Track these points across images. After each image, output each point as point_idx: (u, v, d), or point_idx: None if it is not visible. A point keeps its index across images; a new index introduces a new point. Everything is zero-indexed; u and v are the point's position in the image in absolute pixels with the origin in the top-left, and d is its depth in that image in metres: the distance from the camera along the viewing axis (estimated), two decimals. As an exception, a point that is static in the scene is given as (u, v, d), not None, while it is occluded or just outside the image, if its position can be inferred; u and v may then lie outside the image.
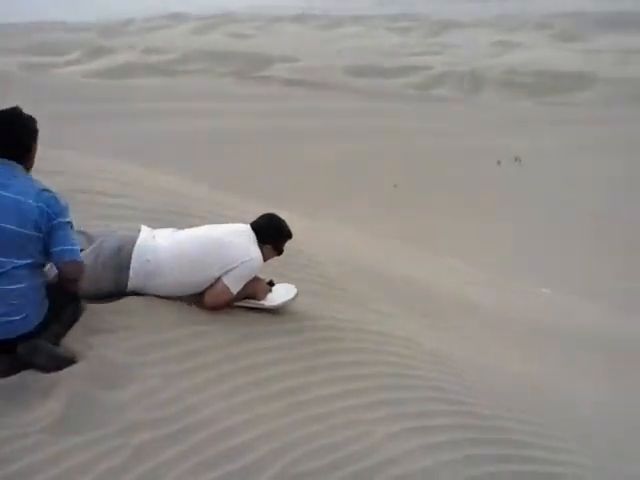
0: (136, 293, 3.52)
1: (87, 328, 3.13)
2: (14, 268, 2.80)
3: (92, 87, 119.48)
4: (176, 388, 2.92)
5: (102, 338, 3.09)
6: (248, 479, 2.57)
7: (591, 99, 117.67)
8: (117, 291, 3.48)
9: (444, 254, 21.57)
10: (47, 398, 2.67)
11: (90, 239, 3.63)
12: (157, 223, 4.47)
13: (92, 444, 2.50)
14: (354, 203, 46.58)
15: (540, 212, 45.92)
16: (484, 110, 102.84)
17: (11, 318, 2.81)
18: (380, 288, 6.61)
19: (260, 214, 4.02)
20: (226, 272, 3.57)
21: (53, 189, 2.99)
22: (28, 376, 2.79)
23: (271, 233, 3.84)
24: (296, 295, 3.97)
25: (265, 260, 3.79)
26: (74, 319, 3.15)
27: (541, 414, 4.56)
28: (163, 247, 3.56)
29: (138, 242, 3.51)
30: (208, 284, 3.61)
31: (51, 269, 3.08)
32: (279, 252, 3.92)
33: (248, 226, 3.82)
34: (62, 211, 2.92)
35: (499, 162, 61.24)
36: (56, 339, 3.00)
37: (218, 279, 3.58)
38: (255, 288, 3.81)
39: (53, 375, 2.79)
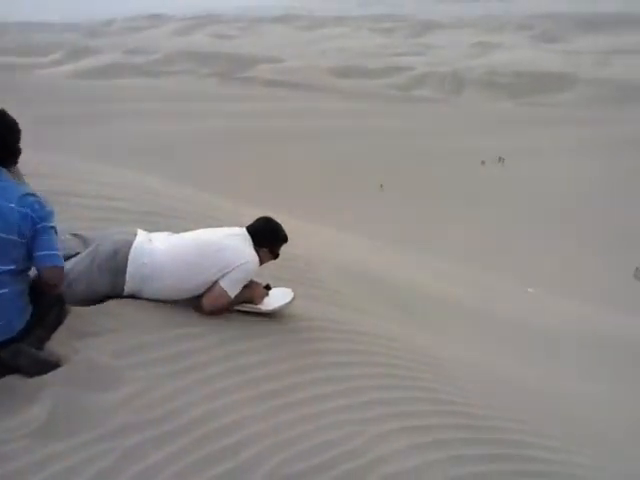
0: (133, 297, 3.50)
1: (72, 331, 3.09)
2: (-3, 274, 2.75)
3: (75, 88, 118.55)
4: (164, 390, 2.90)
5: (87, 341, 3.05)
6: (238, 480, 2.55)
7: (572, 100, 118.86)
8: (113, 294, 3.46)
9: (429, 254, 21.67)
10: (32, 403, 2.63)
11: (86, 242, 3.60)
12: (141, 225, 4.43)
13: (79, 448, 2.47)
14: (340, 204, 46.64)
15: (524, 212, 46.31)
16: (466, 110, 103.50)
17: (-6, 324, 2.76)
18: (368, 289, 6.62)
19: (246, 215, 4.01)
20: (223, 275, 3.56)
21: (37, 192, 2.95)
22: (12, 381, 2.74)
23: (267, 236, 3.83)
24: (293, 299, 3.98)
25: (261, 264, 3.79)
26: (58, 322, 3.11)
27: (528, 413, 4.59)
28: (159, 250, 3.54)
29: (134, 245, 3.49)
30: (205, 287, 3.59)
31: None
32: (275, 256, 3.91)
33: (244, 229, 3.81)
34: (47, 215, 2.88)
35: (483, 162, 61.67)
36: (40, 343, 2.95)
37: (215, 283, 3.57)
38: (252, 292, 3.81)
39: (38, 379, 2.75)
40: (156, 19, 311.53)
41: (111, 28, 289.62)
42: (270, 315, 3.87)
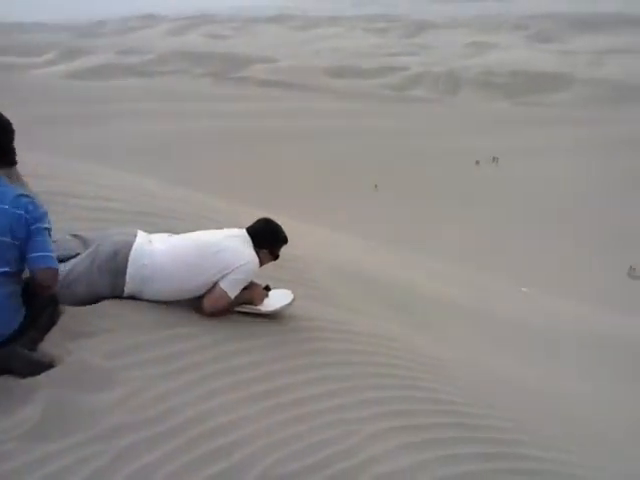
0: (132, 298, 3.50)
1: (65, 332, 3.08)
2: (-10, 276, 2.74)
3: (69, 88, 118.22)
4: (157, 391, 2.90)
5: (81, 342, 3.05)
6: (233, 480, 2.55)
7: (567, 100, 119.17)
8: (113, 296, 3.46)
9: (423, 254, 21.70)
10: (25, 404, 2.63)
11: (86, 243, 3.60)
12: (140, 226, 4.43)
13: (73, 449, 2.46)
14: (334, 204, 46.66)
15: (518, 212, 46.41)
16: (461, 110, 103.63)
17: (-13, 325, 2.75)
18: (362, 289, 6.63)
19: (241, 215, 4.01)
20: (222, 276, 3.57)
21: (30, 193, 2.94)
22: (6, 382, 2.73)
23: (267, 238, 3.84)
24: (293, 300, 3.99)
25: (261, 265, 3.80)
26: (52, 323, 3.10)
27: (527, 413, 4.60)
28: (160, 251, 3.54)
29: (134, 246, 3.49)
30: (205, 289, 3.60)
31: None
32: (275, 257, 3.92)
33: (244, 230, 3.82)
34: (41, 217, 2.86)
35: (477, 162, 61.78)
36: (33, 344, 2.94)
37: (215, 284, 3.58)
38: (252, 293, 3.81)
39: (31, 380, 2.74)
40: (150, 19, 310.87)
41: (104, 29, 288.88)
42: (270, 316, 3.87)
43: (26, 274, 2.96)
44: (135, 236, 3.59)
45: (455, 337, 6.98)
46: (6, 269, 2.78)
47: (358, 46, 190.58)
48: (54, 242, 3.54)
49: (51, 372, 2.80)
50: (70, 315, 3.19)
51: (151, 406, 2.79)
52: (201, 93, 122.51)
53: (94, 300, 3.40)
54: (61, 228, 3.78)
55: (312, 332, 4.01)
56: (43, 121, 73.07)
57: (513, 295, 13.46)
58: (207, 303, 3.59)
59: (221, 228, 3.95)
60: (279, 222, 3.98)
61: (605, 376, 7.76)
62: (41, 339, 3.00)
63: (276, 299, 3.94)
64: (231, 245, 3.64)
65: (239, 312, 3.78)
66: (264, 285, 3.94)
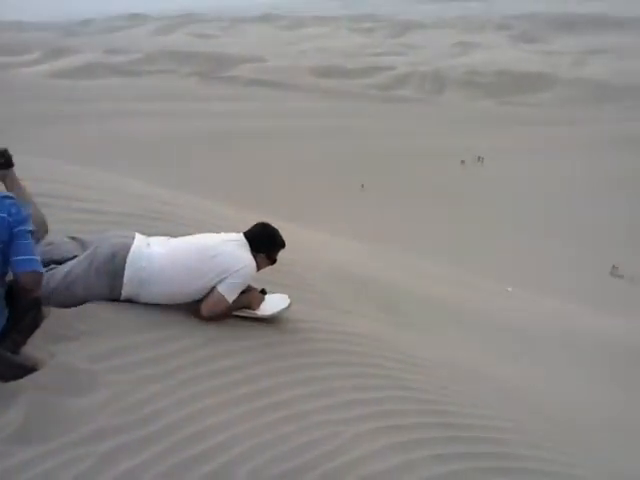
0: (130, 301, 3.49)
1: (48, 335, 3.06)
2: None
3: (56, 87, 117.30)
4: (141, 394, 2.88)
5: (64, 345, 3.03)
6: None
7: (551, 99, 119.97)
8: (111, 298, 3.45)
9: (410, 253, 21.75)
10: (8, 407, 2.60)
11: (84, 245, 3.60)
12: (123, 227, 4.41)
13: (56, 453, 2.45)
14: (320, 204, 46.65)
15: (502, 211, 46.65)
16: (447, 110, 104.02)
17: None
18: (350, 289, 6.62)
19: (236, 218, 4.02)
20: (220, 280, 3.57)
21: (12, 194, 2.91)
22: (-14, 386, 2.71)
23: (264, 242, 3.84)
24: (290, 305, 3.99)
25: (259, 269, 3.81)
26: (35, 326, 3.07)
27: (510, 412, 4.62)
28: (158, 254, 3.54)
29: (132, 249, 3.49)
30: (202, 293, 3.60)
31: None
32: (272, 261, 3.93)
33: (241, 234, 3.82)
34: (24, 219, 2.83)
35: (463, 161, 62.05)
36: (16, 347, 2.91)
37: (213, 288, 3.58)
38: (250, 297, 3.82)
39: (14, 384, 2.72)
40: (136, 18, 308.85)
41: (89, 28, 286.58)
42: (267, 321, 3.88)
43: (9, 277, 2.93)
44: (133, 238, 3.60)
45: (441, 337, 7.01)
46: None
47: (345, 46, 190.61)
48: (51, 244, 3.54)
49: (34, 375, 2.78)
50: (53, 318, 3.17)
51: (136, 409, 2.77)
52: (188, 92, 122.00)
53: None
54: (60, 230, 3.78)
55: (298, 334, 4.01)
56: (30, 120, 72.47)
57: (498, 294, 13.53)
58: (205, 308, 3.59)
59: (213, 231, 3.95)
60: (272, 225, 3.99)
61: (585, 375, 7.82)
62: (24, 342, 2.97)
63: (273, 303, 3.95)
64: (228, 249, 3.65)
65: (236, 316, 3.78)
66: (260, 289, 3.95)
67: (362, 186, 52.63)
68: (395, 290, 8.30)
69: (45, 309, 3.18)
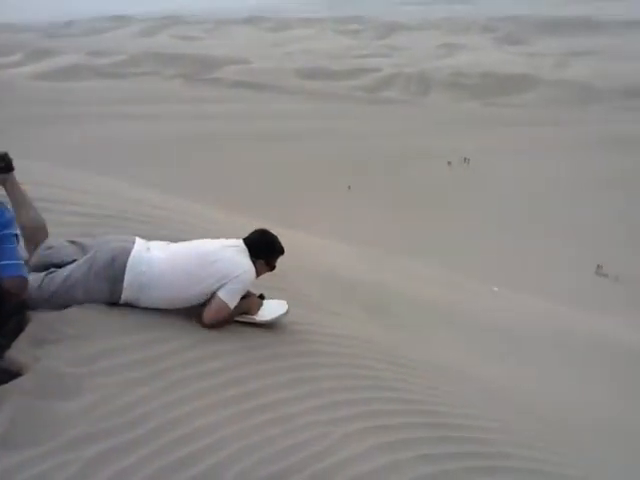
0: (129, 305, 3.48)
1: (33, 338, 3.02)
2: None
3: (37, 90, 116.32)
4: (127, 397, 2.86)
5: (49, 349, 2.99)
6: (207, 485, 2.53)
7: (534, 101, 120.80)
8: (111, 302, 3.44)
9: (397, 255, 21.80)
10: (-8, 412, 2.57)
11: (84, 249, 3.58)
12: (105, 229, 4.38)
13: (42, 458, 2.42)
14: (307, 205, 46.66)
15: (488, 211, 46.92)
16: (432, 111, 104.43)
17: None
18: (338, 291, 6.63)
19: (226, 222, 4.01)
20: (220, 286, 3.57)
21: None
22: (-30, 391, 2.67)
23: (263, 248, 3.85)
24: (288, 311, 4.00)
25: (258, 275, 3.81)
26: (19, 330, 3.04)
27: (498, 412, 4.64)
28: (159, 258, 3.53)
29: (132, 253, 3.48)
30: (203, 297, 3.60)
31: None
32: (271, 268, 3.93)
33: (240, 240, 3.83)
34: (7, 223, 2.80)
35: (449, 163, 62.35)
36: (0, 351, 2.89)
37: (213, 295, 3.59)
38: (249, 303, 3.83)
39: (-2, 388, 2.69)
40: (119, 20, 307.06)
41: (72, 29, 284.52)
42: (265, 326, 3.87)
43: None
44: (133, 243, 3.59)
45: (429, 338, 7.03)
46: None
47: (330, 48, 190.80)
48: (51, 248, 3.51)
49: (19, 380, 2.75)
50: (38, 321, 3.14)
51: (122, 412, 2.76)
52: (173, 94, 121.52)
53: None
54: (60, 234, 3.76)
55: (285, 335, 4.00)
56: (14, 122, 71.84)
57: (485, 295, 13.60)
58: (208, 315, 3.59)
59: (204, 235, 3.95)
60: (267, 230, 3.99)
61: (576, 375, 7.87)
62: (8, 346, 2.93)
63: (271, 309, 3.95)
64: (228, 255, 3.66)
65: (236, 322, 3.78)
66: (258, 294, 3.95)
67: (349, 187, 52.72)
68: (386, 292, 8.32)
69: (28, 313, 3.15)
